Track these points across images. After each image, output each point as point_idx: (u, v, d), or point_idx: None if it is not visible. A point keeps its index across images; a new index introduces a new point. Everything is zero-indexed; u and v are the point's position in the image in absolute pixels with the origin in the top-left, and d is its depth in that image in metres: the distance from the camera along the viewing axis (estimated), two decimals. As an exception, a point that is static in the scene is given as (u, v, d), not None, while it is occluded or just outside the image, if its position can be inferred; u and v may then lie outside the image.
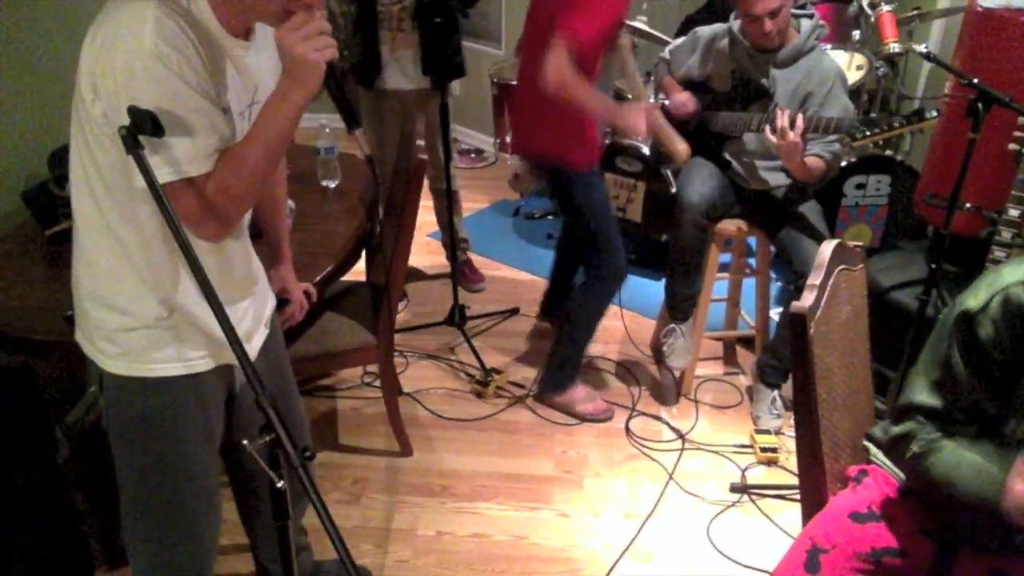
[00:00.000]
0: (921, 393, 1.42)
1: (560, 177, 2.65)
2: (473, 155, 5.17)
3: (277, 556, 1.25)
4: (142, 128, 1.16)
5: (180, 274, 1.39)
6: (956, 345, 1.37)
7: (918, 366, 1.45)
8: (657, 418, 2.93)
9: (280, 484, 1.11)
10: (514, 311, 3.56)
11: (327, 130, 2.73)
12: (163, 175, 1.22)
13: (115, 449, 1.51)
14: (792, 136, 2.38)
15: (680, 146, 2.62)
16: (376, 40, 3.08)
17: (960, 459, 1.37)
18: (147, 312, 1.39)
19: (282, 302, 1.89)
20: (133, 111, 1.16)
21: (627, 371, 3.18)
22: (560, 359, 2.90)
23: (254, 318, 1.58)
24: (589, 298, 2.83)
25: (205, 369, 1.46)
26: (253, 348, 1.58)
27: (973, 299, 1.35)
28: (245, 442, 1.07)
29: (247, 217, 1.54)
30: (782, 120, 2.40)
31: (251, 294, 1.56)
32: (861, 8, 3.46)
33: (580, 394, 2.93)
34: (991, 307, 1.32)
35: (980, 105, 2.10)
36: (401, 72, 3.14)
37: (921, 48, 2.26)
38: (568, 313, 2.88)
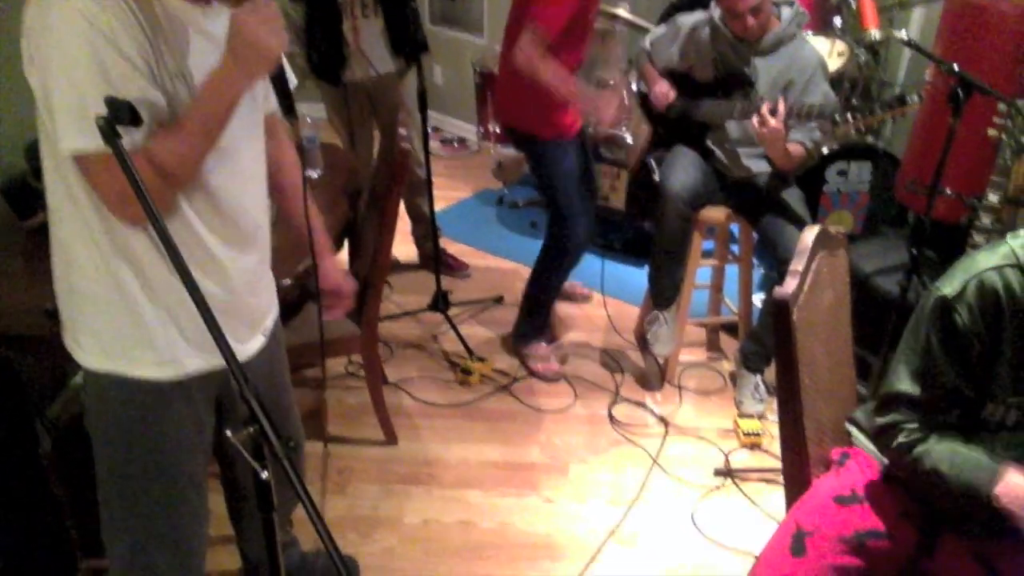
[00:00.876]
0: (903, 381, 1.44)
1: (529, 145, 2.87)
2: (456, 144, 5.15)
3: (263, 549, 1.24)
4: (120, 118, 1.14)
5: (160, 272, 1.34)
6: (934, 332, 1.38)
7: (898, 354, 1.47)
8: (641, 404, 2.94)
9: (264, 475, 1.11)
10: (498, 299, 3.56)
11: (308, 119, 2.70)
12: (77, 143, 1.16)
13: (95, 448, 1.47)
14: (774, 123, 2.39)
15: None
16: (338, 33, 3.03)
17: (948, 450, 1.38)
18: (125, 309, 1.35)
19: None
20: (110, 100, 1.13)
21: (611, 358, 3.19)
22: (524, 314, 3.14)
23: (249, 326, 1.54)
24: (545, 263, 3.02)
25: (191, 371, 1.42)
26: (245, 351, 1.53)
27: (949, 286, 1.37)
28: (228, 433, 1.06)
29: (246, 226, 1.45)
30: (764, 107, 2.41)
31: (245, 304, 1.50)
32: (842, -6, 3.47)
33: (538, 351, 3.12)
34: (967, 293, 1.34)
35: (960, 92, 2.11)
36: (369, 60, 3.11)
37: (902, 35, 2.27)
38: (531, 273, 3.09)
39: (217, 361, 1.43)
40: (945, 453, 1.38)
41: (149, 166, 1.20)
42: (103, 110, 1.11)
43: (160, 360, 1.40)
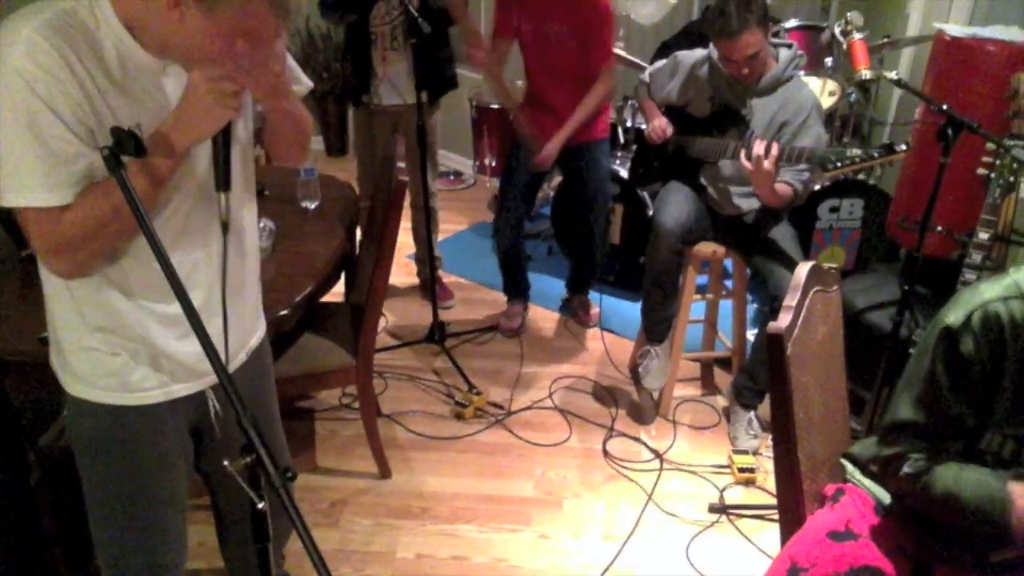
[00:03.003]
0: (906, 410, 1.45)
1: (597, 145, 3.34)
2: (452, 177, 5.19)
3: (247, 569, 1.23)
4: (124, 148, 1.16)
5: (129, 302, 1.35)
6: (939, 360, 1.40)
7: (902, 384, 1.48)
8: (636, 439, 2.94)
9: (261, 505, 1.11)
10: (492, 328, 3.57)
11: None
12: (8, 199, 1.18)
13: (78, 464, 1.51)
14: (766, 165, 2.41)
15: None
16: (368, 60, 3.18)
17: (958, 476, 1.39)
18: (89, 337, 1.36)
19: None
20: (116, 131, 1.16)
21: (605, 392, 3.19)
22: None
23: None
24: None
25: (153, 401, 1.43)
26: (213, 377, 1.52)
27: (953, 315, 1.38)
28: (226, 463, 1.07)
29: (207, 259, 1.43)
30: (758, 148, 2.43)
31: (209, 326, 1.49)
32: (833, 36, 3.53)
33: (506, 310, 3.62)
34: (972, 322, 1.36)
35: (950, 131, 2.14)
36: (393, 89, 3.24)
37: (892, 75, 2.31)
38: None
39: (192, 387, 1.46)
40: (954, 479, 1.39)
41: (78, 227, 1.21)
42: (34, 167, 1.15)
43: (133, 388, 1.41)
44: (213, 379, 1.48)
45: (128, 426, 1.44)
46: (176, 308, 1.34)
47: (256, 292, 1.63)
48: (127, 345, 1.38)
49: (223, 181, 1.25)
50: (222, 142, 1.25)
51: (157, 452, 1.48)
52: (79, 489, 1.51)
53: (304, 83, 1.56)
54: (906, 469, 1.43)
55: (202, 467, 1.64)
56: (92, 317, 1.35)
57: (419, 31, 2.84)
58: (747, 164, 2.45)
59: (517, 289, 3.65)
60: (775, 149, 2.42)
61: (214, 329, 1.42)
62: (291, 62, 1.50)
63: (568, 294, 3.76)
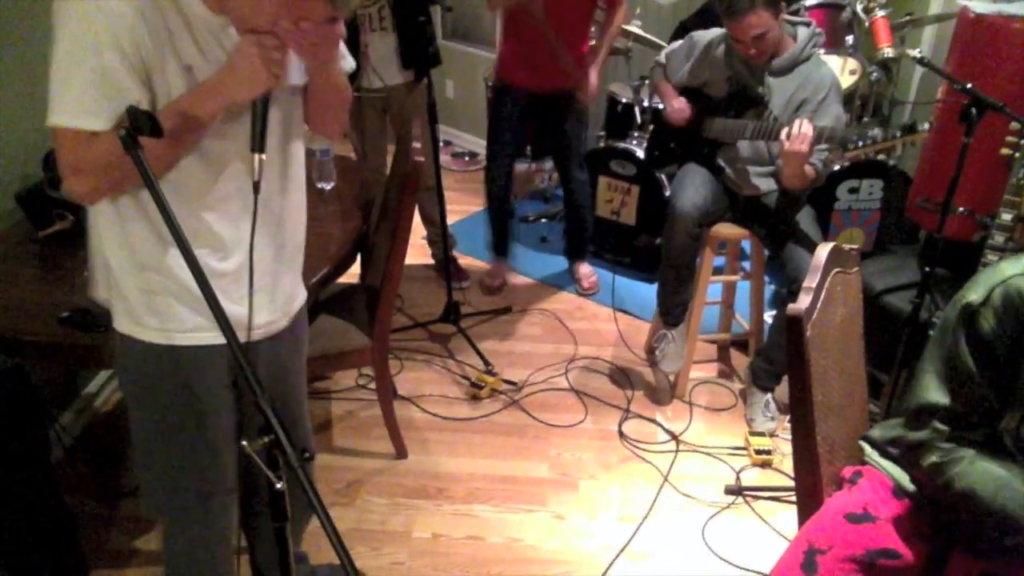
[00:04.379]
0: (931, 392, 1.43)
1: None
2: (467, 158, 5.17)
3: (275, 560, 1.25)
4: (140, 128, 1.16)
5: (168, 249, 1.39)
6: (962, 339, 1.38)
7: (925, 364, 1.47)
8: (652, 420, 2.93)
9: (279, 485, 1.11)
10: (506, 309, 3.57)
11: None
12: (50, 118, 1.24)
13: (124, 395, 1.57)
14: (803, 146, 2.38)
15: None
16: (356, 44, 3.12)
17: (982, 473, 1.37)
18: (138, 275, 1.41)
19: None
20: (132, 111, 1.16)
21: (621, 373, 3.19)
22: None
23: (268, 296, 1.55)
24: None
25: (193, 343, 1.46)
26: (256, 320, 1.53)
27: (974, 292, 1.37)
28: (244, 443, 1.07)
29: (269, 220, 1.47)
30: (799, 128, 2.38)
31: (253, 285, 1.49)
32: (854, 13, 3.48)
33: (491, 267, 3.79)
34: (992, 299, 1.34)
35: (973, 110, 2.11)
36: (381, 71, 3.19)
37: (915, 53, 2.27)
38: None
39: (214, 340, 1.48)
40: (978, 475, 1.37)
41: (105, 156, 1.25)
42: (88, 92, 1.22)
43: (174, 329, 1.45)
44: (254, 333, 1.51)
45: (170, 365, 1.48)
46: (223, 263, 1.43)
47: (299, 258, 1.64)
48: (171, 287, 1.42)
49: (259, 144, 1.29)
50: (260, 107, 1.29)
51: (199, 393, 1.51)
52: (101, 467, 1.53)
53: (348, 61, 1.57)
54: (932, 459, 1.42)
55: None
56: (142, 255, 1.40)
57: (407, 12, 2.82)
58: (785, 142, 2.41)
59: (504, 246, 3.77)
60: (809, 128, 2.38)
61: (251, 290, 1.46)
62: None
63: (568, 262, 3.87)
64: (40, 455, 1.96)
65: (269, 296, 1.55)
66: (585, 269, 3.80)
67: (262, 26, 1.26)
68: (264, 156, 1.29)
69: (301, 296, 1.69)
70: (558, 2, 3.11)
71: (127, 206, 1.38)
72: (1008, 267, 1.36)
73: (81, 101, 1.23)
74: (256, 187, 1.28)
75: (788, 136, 2.40)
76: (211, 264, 1.42)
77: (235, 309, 1.43)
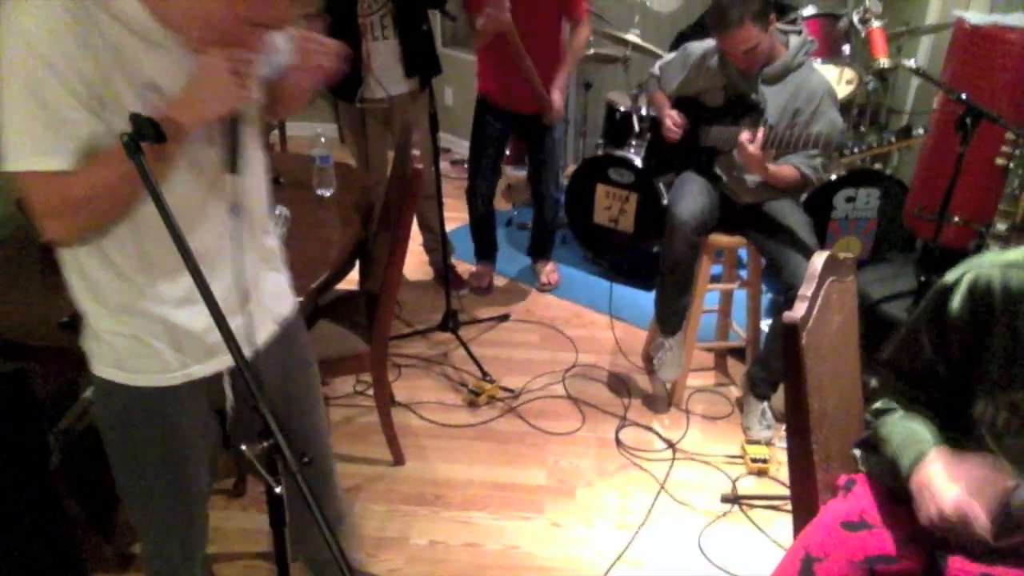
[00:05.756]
0: (890, 348, 1.54)
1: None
2: (466, 165, 5.18)
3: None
4: (144, 134, 1.16)
5: (143, 281, 1.34)
6: (926, 309, 1.46)
7: (903, 325, 1.55)
8: (648, 428, 2.94)
9: (278, 490, 1.12)
10: (504, 317, 3.58)
11: (322, 139, 2.74)
12: (13, 164, 1.17)
13: (103, 439, 1.52)
14: (751, 149, 2.46)
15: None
16: (358, 52, 3.11)
17: (900, 425, 1.47)
18: (108, 319, 1.37)
19: None
20: (135, 117, 1.16)
21: (619, 381, 3.19)
22: None
23: (244, 331, 1.50)
24: None
25: (172, 384, 1.43)
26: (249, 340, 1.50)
27: (951, 273, 1.44)
28: (244, 447, 1.08)
29: (240, 229, 1.41)
30: (744, 135, 2.49)
31: (237, 311, 1.46)
32: (851, 23, 3.50)
33: (476, 270, 3.87)
34: (963, 281, 1.38)
35: (968, 120, 2.13)
36: (384, 80, 3.19)
37: (911, 64, 2.29)
38: None
39: (209, 367, 1.45)
40: (895, 426, 1.47)
41: (67, 190, 1.19)
42: (36, 131, 1.14)
43: (152, 370, 1.42)
44: (230, 360, 1.44)
45: (149, 406, 1.44)
46: (188, 287, 1.32)
47: (274, 259, 1.59)
48: (143, 326, 1.38)
49: (232, 164, 1.24)
50: (230, 125, 1.24)
51: (179, 432, 1.49)
52: (100, 471, 1.53)
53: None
54: (875, 404, 1.52)
55: (231, 448, 1.64)
56: (108, 299, 1.36)
57: (409, 20, 2.83)
58: (740, 147, 2.50)
59: (487, 250, 3.84)
60: (760, 134, 2.47)
61: (233, 312, 1.43)
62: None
63: (531, 259, 3.99)
64: (39, 459, 1.96)
65: (255, 306, 1.51)
66: (548, 266, 3.91)
67: (225, 35, 1.19)
68: (236, 176, 1.23)
69: (289, 300, 1.64)
70: (529, 27, 3.16)
71: (88, 254, 1.31)
72: (991, 256, 1.40)
73: (33, 141, 1.16)
74: (237, 209, 1.22)
75: (739, 147, 2.52)
76: (175, 289, 1.36)
77: (203, 328, 1.40)
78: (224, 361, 1.47)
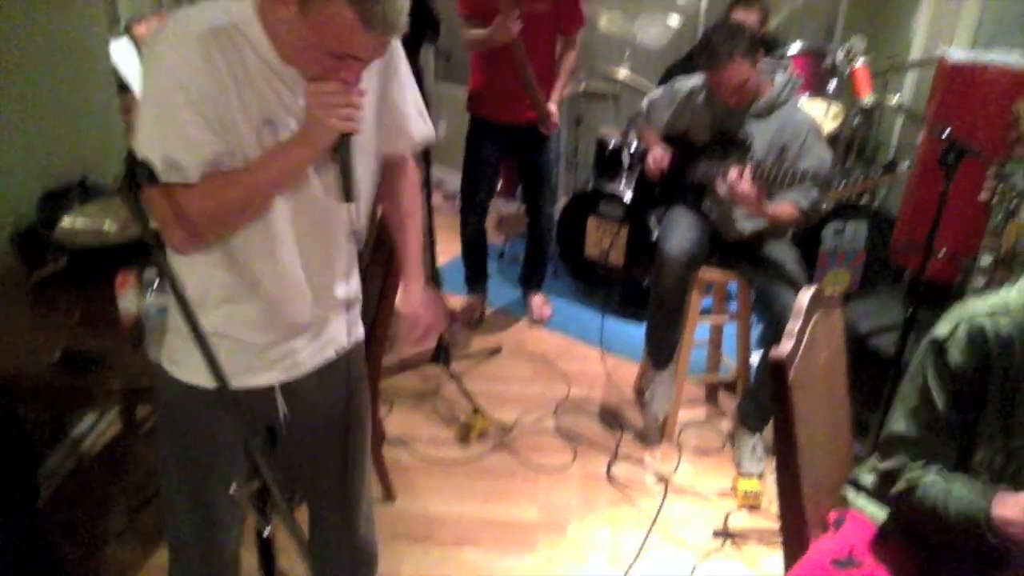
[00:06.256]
0: (901, 422, 1.48)
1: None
2: (456, 200, 5.21)
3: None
4: (138, 176, 1.19)
5: (246, 292, 1.43)
6: (929, 371, 1.44)
7: (898, 396, 1.52)
8: (640, 463, 2.93)
9: (266, 532, 1.12)
10: (496, 350, 3.58)
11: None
12: (140, 175, 1.26)
13: (157, 423, 1.63)
14: (743, 186, 2.46)
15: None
16: None
17: (947, 488, 1.41)
18: (178, 319, 1.46)
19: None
20: (130, 159, 1.19)
21: (610, 415, 3.19)
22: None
23: (307, 353, 1.56)
24: None
25: (207, 385, 1.46)
26: (297, 362, 1.55)
27: (941, 328, 1.43)
28: (233, 488, 1.08)
29: (289, 255, 1.46)
30: (731, 176, 2.51)
31: (298, 333, 1.52)
32: (835, 62, 3.56)
33: (467, 301, 3.86)
34: (957, 333, 1.39)
35: (952, 155, 2.16)
36: None
37: (894, 101, 2.33)
38: None
39: (249, 383, 1.49)
40: (943, 491, 1.41)
41: (194, 207, 1.29)
42: (166, 149, 1.25)
43: (200, 368, 1.44)
44: (286, 376, 1.53)
45: (202, 402, 1.49)
46: (254, 304, 1.44)
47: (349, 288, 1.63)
48: (237, 328, 1.45)
49: (347, 193, 1.33)
50: (342, 154, 1.31)
51: (222, 432, 1.52)
52: (88, 510, 1.54)
53: (428, 127, 1.60)
54: (900, 485, 1.45)
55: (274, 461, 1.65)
56: (217, 296, 1.43)
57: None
58: (726, 186, 2.50)
59: (478, 279, 3.85)
60: (748, 171, 2.48)
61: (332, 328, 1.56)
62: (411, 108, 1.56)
63: (522, 290, 3.98)
64: (27, 497, 1.95)
65: (318, 329, 1.56)
66: (539, 299, 3.91)
67: (320, 75, 1.27)
68: (352, 203, 1.33)
69: (353, 331, 1.66)
70: (527, 40, 3.21)
71: (213, 248, 1.39)
72: (975, 304, 1.41)
73: (164, 158, 1.25)
74: (356, 237, 1.37)
75: (728, 185, 2.52)
76: (244, 305, 1.44)
77: (265, 342, 1.48)
78: (274, 376, 1.52)
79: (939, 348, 1.42)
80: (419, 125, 1.58)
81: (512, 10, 3.09)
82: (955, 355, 1.40)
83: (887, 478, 1.50)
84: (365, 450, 1.78)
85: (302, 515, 1.80)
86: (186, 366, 1.49)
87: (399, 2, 1.20)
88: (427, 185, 3.16)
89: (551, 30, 3.36)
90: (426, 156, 3.08)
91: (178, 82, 1.24)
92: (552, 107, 3.41)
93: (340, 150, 1.31)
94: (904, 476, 1.46)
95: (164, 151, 1.25)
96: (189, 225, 1.31)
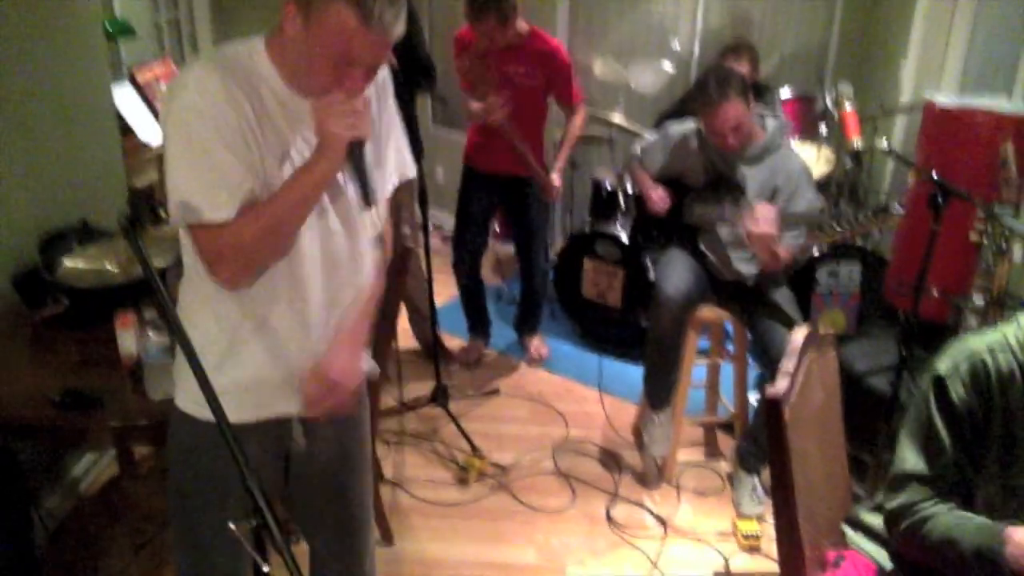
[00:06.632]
0: (907, 460, 1.49)
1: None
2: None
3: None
4: (141, 217, 1.22)
5: (202, 327, 1.45)
6: (933, 408, 1.45)
7: (902, 434, 1.53)
8: (639, 504, 2.92)
9: (266, 569, 1.12)
10: (494, 391, 3.58)
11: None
12: (186, 219, 1.33)
13: (169, 466, 1.61)
14: (767, 226, 2.48)
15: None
16: None
17: (957, 519, 1.42)
18: (213, 352, 1.46)
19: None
20: (133, 199, 1.22)
21: (609, 456, 3.18)
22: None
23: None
24: None
25: (244, 420, 1.47)
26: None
27: (943, 364, 1.44)
28: (232, 525, 1.09)
29: (312, 294, 1.49)
30: (758, 212, 2.50)
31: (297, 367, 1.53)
32: (827, 105, 3.64)
33: (467, 344, 3.90)
34: (959, 370, 1.41)
35: (940, 198, 2.20)
36: None
37: (883, 145, 2.38)
38: None
39: (266, 414, 1.52)
40: (952, 522, 1.41)
41: (234, 241, 1.34)
42: (207, 189, 1.31)
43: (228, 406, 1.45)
44: (297, 406, 1.54)
45: (215, 441, 1.46)
46: (270, 336, 1.47)
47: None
48: (226, 363, 1.46)
49: (366, 198, 1.37)
50: (356, 160, 1.36)
51: (207, 470, 1.53)
52: (85, 550, 1.53)
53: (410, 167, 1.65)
54: (908, 521, 1.45)
55: (286, 493, 1.67)
56: (229, 333, 1.46)
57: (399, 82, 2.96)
58: (746, 225, 2.50)
59: (479, 324, 3.87)
60: (767, 210, 2.49)
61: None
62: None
63: (517, 334, 3.99)
64: (23, 539, 1.94)
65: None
66: (535, 341, 3.94)
67: (326, 87, 1.33)
68: (375, 208, 1.39)
69: (369, 362, 1.69)
70: (515, 107, 3.27)
71: (208, 294, 1.43)
72: (974, 341, 1.43)
73: (207, 199, 1.31)
74: (380, 240, 1.40)
75: (749, 221, 2.51)
76: (263, 336, 1.47)
77: (280, 375, 1.51)
78: (292, 406, 1.54)
79: (941, 385, 1.43)
80: (401, 157, 1.62)
81: (495, 99, 3.19)
82: (957, 392, 1.41)
83: (895, 516, 1.50)
84: (370, 493, 1.79)
85: (301, 552, 1.78)
86: (190, 399, 1.51)
87: (397, 5, 1.27)
88: (425, 227, 3.19)
89: (541, 98, 3.42)
90: (423, 198, 3.11)
91: (211, 124, 1.29)
92: (555, 176, 3.46)
93: (353, 157, 1.36)
94: (913, 512, 1.46)
95: (205, 193, 1.30)
96: (238, 258, 1.35)
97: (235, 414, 1.47)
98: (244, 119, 1.32)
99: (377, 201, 1.39)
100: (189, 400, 1.53)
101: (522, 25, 3.26)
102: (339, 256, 1.50)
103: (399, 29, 1.30)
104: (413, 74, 3.18)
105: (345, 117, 1.33)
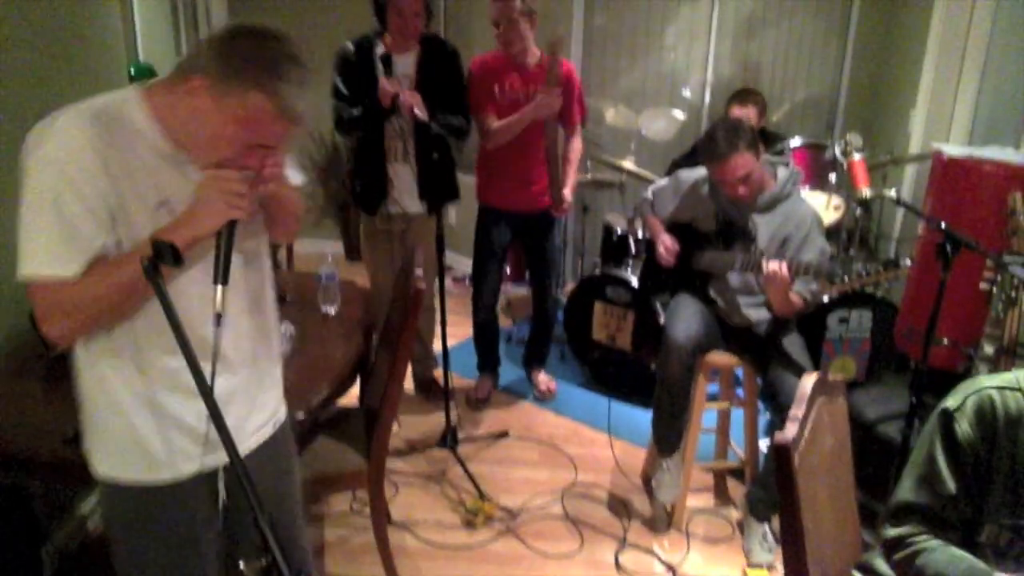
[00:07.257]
0: (908, 491, 1.51)
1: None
2: (467, 282, 5.29)
3: None
4: (163, 258, 1.25)
5: (151, 385, 1.43)
6: (937, 441, 1.46)
7: (908, 465, 1.54)
8: (648, 551, 2.89)
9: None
10: (503, 434, 3.58)
11: (329, 257, 2.83)
12: (20, 270, 1.29)
13: (110, 542, 1.55)
14: (785, 272, 2.50)
15: None
16: (383, 168, 3.36)
17: (950, 559, 1.42)
18: (116, 420, 1.44)
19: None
20: (156, 242, 1.25)
21: (618, 501, 3.16)
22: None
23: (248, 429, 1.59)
24: None
25: (176, 476, 1.47)
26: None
27: (951, 399, 1.46)
28: (241, 564, 1.09)
29: (228, 345, 1.50)
30: (773, 265, 2.53)
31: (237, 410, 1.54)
32: (835, 154, 3.68)
33: (478, 382, 3.93)
34: (966, 406, 1.42)
35: (948, 247, 2.21)
36: (402, 200, 3.42)
37: (891, 194, 2.40)
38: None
39: (211, 461, 1.50)
40: (944, 560, 1.42)
41: (73, 300, 1.31)
42: (51, 242, 1.27)
43: (158, 465, 1.47)
44: (223, 458, 1.49)
45: (157, 503, 1.48)
46: (191, 383, 1.39)
47: (275, 371, 1.68)
48: (149, 421, 1.44)
49: (221, 276, 1.33)
50: (225, 238, 1.34)
51: (181, 530, 1.51)
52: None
53: (295, 175, 1.63)
54: (904, 552, 1.46)
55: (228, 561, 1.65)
56: (116, 395, 1.43)
57: (429, 136, 3.03)
58: (768, 269, 2.53)
59: (490, 362, 3.92)
60: (778, 265, 2.51)
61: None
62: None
63: (526, 369, 4.07)
64: (32, 573, 1.94)
65: (248, 409, 1.59)
66: (543, 376, 3.99)
67: (221, 154, 1.33)
68: (225, 287, 1.32)
69: (282, 405, 1.72)
70: (526, 129, 3.39)
71: (98, 351, 1.41)
72: (986, 380, 1.45)
73: (48, 251, 1.27)
74: (218, 319, 1.30)
75: (765, 271, 2.53)
76: (183, 385, 1.43)
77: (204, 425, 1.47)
78: (219, 458, 1.51)
79: (948, 419, 1.45)
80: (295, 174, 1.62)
81: (555, 86, 3.29)
82: (963, 426, 1.42)
83: (891, 546, 1.52)
84: (303, 528, 1.80)
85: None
86: (136, 465, 1.46)
87: (303, 89, 1.29)
88: (441, 271, 3.23)
89: (539, 124, 3.48)
90: (439, 244, 3.16)
91: (67, 178, 1.26)
92: (566, 192, 3.54)
93: (224, 234, 1.34)
94: (908, 544, 1.48)
95: (51, 248, 1.27)
96: (71, 317, 1.32)
97: (171, 469, 1.47)
98: (108, 170, 1.28)
99: (227, 283, 1.32)
100: (106, 464, 1.48)
101: (535, 51, 3.43)
102: (236, 312, 1.48)
103: (304, 112, 1.31)
104: (453, 125, 3.29)
105: (232, 195, 1.33)
